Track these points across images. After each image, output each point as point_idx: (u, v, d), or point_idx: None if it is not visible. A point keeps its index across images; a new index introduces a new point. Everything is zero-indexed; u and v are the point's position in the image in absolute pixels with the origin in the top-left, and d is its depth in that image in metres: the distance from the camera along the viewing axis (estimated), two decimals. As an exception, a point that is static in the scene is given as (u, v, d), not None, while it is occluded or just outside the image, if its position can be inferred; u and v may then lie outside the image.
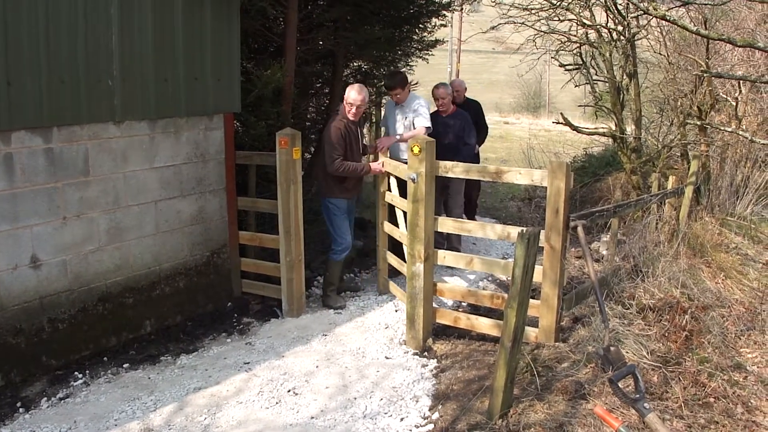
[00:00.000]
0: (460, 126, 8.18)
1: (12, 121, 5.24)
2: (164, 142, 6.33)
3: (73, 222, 5.74)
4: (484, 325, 5.81)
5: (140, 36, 6.01)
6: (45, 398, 5.30)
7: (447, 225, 5.94)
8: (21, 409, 5.13)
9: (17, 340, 5.49)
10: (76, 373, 5.67)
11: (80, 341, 5.92)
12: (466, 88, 9.31)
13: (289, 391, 5.29)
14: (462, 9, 10.35)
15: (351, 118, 6.96)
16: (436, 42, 10.37)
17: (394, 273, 7.33)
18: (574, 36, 10.65)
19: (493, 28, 11.12)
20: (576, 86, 11.59)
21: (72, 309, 5.83)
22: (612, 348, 4.77)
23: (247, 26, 7.32)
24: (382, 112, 8.78)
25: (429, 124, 7.60)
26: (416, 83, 10.81)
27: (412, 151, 5.63)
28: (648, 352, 4.93)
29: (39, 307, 5.61)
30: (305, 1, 8.28)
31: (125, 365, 5.84)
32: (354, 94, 6.88)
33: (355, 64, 10.41)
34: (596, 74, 10.76)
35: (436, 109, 8.36)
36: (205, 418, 4.94)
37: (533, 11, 10.41)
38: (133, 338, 6.29)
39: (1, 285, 5.32)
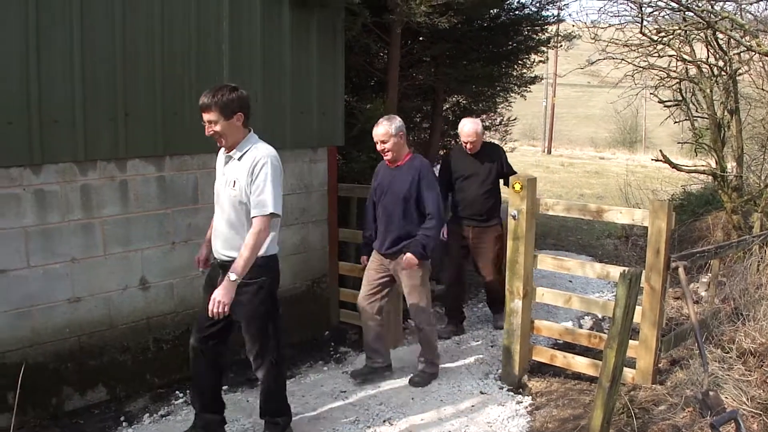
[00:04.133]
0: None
1: (128, 150, 5.55)
2: (267, 173, 6.52)
3: (181, 247, 5.98)
4: (581, 364, 5.77)
5: (249, 72, 6.25)
6: (147, 414, 5.52)
7: (547, 263, 5.95)
8: (124, 423, 5.37)
9: (124, 357, 5.76)
10: (177, 392, 5.90)
11: (182, 362, 6.08)
12: (477, 132, 7.24)
13: (384, 421, 5.36)
14: (561, 45, 10.36)
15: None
16: (535, 78, 10.39)
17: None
18: (674, 71, 10.52)
19: (591, 63, 11.08)
20: (675, 122, 11.42)
21: (176, 330, 6.06)
22: (711, 393, 4.68)
23: (351, 61, 7.51)
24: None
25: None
26: (515, 119, 10.85)
27: (514, 188, 5.68)
28: (748, 399, 4.80)
29: (146, 326, 5.86)
30: (407, 38, 8.44)
31: (224, 387, 5.98)
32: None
33: (453, 98, 10.52)
34: (696, 110, 10.58)
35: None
36: (302, 444, 5.03)
37: (632, 47, 10.34)
38: (232, 362, 6.45)
39: (111, 304, 5.61)
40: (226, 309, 4.37)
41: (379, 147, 5.87)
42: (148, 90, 5.59)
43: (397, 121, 5.85)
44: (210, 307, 4.36)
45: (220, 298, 4.34)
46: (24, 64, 4.90)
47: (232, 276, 4.37)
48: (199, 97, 5.63)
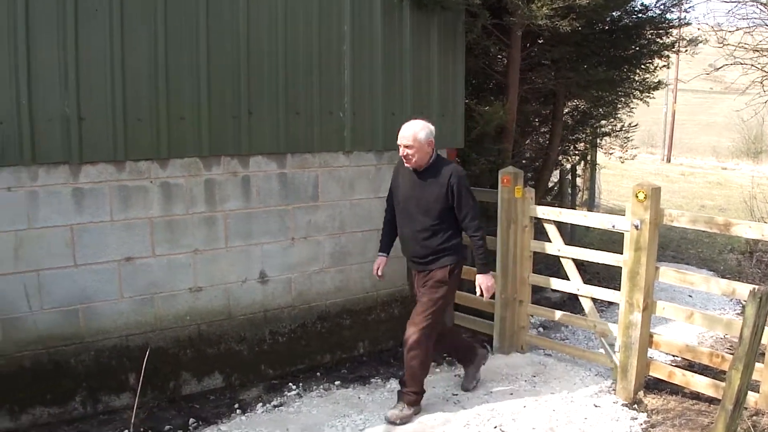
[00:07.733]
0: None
1: (251, 147, 5.71)
2: (389, 174, 6.54)
3: (300, 243, 6.10)
4: (701, 383, 5.56)
5: (370, 72, 6.34)
6: (260, 404, 5.67)
7: (669, 276, 5.76)
8: (238, 410, 5.54)
9: (240, 347, 5.94)
10: (290, 384, 6.04)
11: (296, 355, 6.27)
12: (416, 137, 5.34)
13: (495, 427, 5.30)
14: (686, 50, 9.98)
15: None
16: (659, 84, 10.05)
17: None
18: (808, 79, 10.07)
19: (716, 69, 10.70)
20: (807, 133, 10.94)
21: (292, 324, 6.20)
22: (843, 422, 4.47)
23: (470, 63, 7.45)
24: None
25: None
26: (635, 125, 10.54)
27: (637, 197, 5.53)
28: None
29: (263, 319, 6.00)
30: (526, 41, 8.33)
31: (337, 382, 6.10)
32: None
33: (572, 102, 10.33)
34: (831, 121, 10.11)
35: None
36: (412, 444, 5.03)
37: (762, 52, 9.91)
38: (346, 358, 6.57)
39: (231, 296, 5.80)
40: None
41: None
42: (271, 89, 5.75)
43: None
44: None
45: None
46: (153, 64, 5.17)
47: None
48: (322, 96, 5.76)
